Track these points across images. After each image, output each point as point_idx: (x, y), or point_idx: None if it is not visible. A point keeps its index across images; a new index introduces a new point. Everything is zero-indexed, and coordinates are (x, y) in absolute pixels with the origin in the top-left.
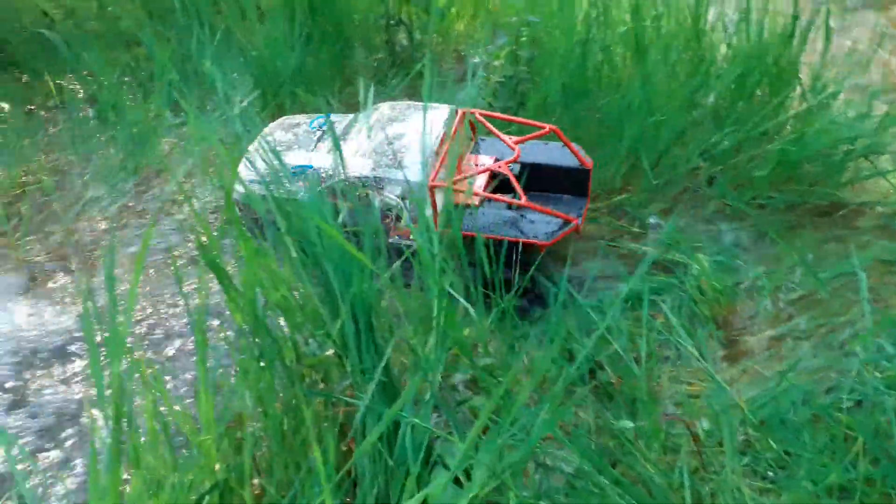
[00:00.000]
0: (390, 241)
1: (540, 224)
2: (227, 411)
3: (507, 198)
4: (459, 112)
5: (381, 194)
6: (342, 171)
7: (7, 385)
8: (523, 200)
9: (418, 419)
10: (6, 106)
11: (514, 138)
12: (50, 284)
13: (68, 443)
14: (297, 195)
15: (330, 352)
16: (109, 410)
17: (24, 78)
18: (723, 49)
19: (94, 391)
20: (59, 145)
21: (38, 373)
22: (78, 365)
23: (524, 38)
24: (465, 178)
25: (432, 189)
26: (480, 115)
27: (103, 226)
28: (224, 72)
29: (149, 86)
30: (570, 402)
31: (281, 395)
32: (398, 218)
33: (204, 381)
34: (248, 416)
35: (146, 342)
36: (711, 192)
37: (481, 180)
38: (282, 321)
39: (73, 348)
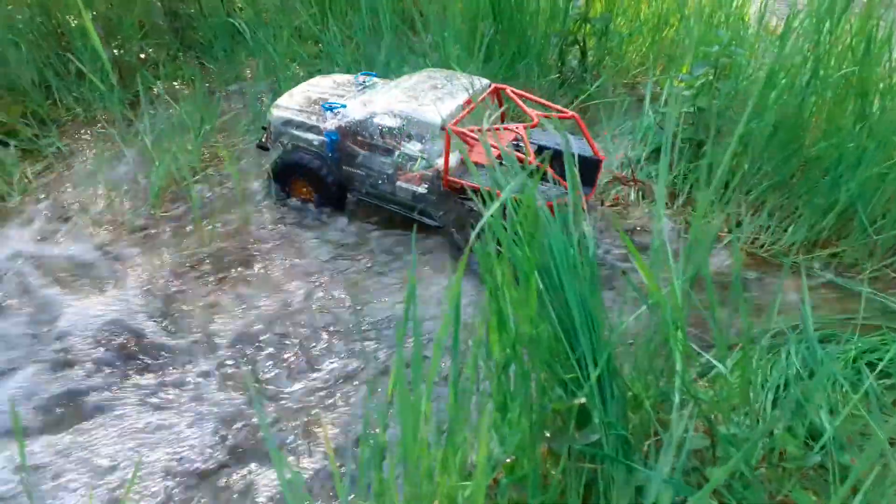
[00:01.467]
0: (398, 184)
1: (545, 191)
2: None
3: (521, 155)
4: (492, 86)
5: (403, 146)
6: (372, 119)
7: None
8: (532, 159)
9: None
10: (187, 86)
11: (538, 112)
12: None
13: None
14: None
15: (580, 400)
16: None
17: (206, 61)
18: None
19: None
20: (235, 131)
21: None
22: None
23: (724, 72)
24: (482, 129)
25: (449, 131)
26: (511, 91)
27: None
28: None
29: None
30: None
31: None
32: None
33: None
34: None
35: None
36: None
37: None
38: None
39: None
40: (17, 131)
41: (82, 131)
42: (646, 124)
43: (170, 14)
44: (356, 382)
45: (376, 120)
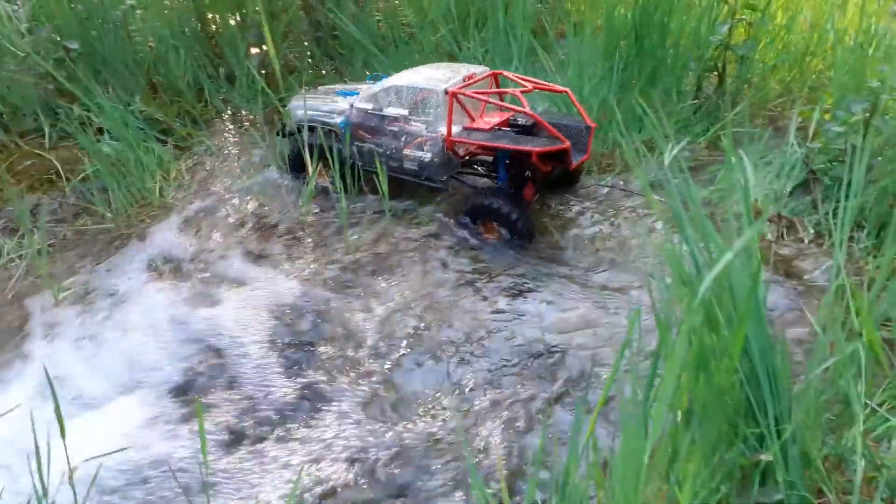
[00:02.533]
0: (406, 153)
1: (536, 143)
2: None
3: (514, 107)
4: (491, 72)
5: (408, 126)
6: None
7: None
8: (527, 109)
9: None
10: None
11: (533, 82)
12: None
13: None
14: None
15: (767, 456)
16: None
17: (345, 72)
18: None
19: None
20: None
21: None
22: None
23: (883, 110)
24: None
25: (451, 95)
26: (509, 75)
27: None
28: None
29: None
30: None
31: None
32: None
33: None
34: None
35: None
36: None
37: (495, 121)
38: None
39: None
40: (172, 130)
41: (229, 131)
42: (789, 158)
43: (314, 24)
44: (509, 409)
45: (359, 105)
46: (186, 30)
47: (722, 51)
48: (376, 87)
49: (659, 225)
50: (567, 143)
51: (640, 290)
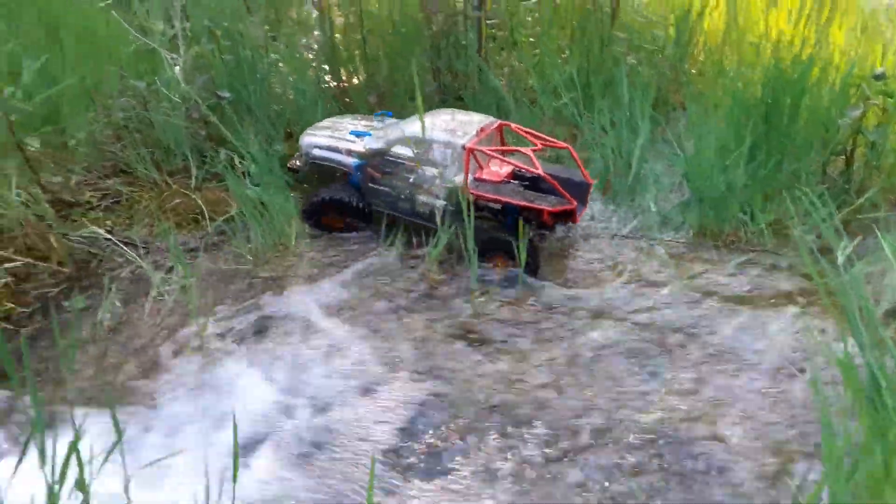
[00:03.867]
0: (420, 198)
1: (546, 202)
2: None
3: (523, 164)
4: (497, 123)
5: (417, 171)
6: (391, 149)
7: None
8: (541, 171)
9: None
10: None
11: (540, 141)
12: None
13: None
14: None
15: None
16: None
17: None
18: None
19: None
20: None
21: None
22: None
23: None
24: (500, 150)
25: (469, 151)
26: (514, 127)
27: None
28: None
29: None
30: None
31: None
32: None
33: None
34: None
35: None
36: None
37: (505, 172)
38: None
39: None
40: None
41: None
42: None
43: (439, 83)
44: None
45: (395, 149)
46: (322, 84)
47: (852, 135)
48: (395, 133)
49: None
50: (574, 203)
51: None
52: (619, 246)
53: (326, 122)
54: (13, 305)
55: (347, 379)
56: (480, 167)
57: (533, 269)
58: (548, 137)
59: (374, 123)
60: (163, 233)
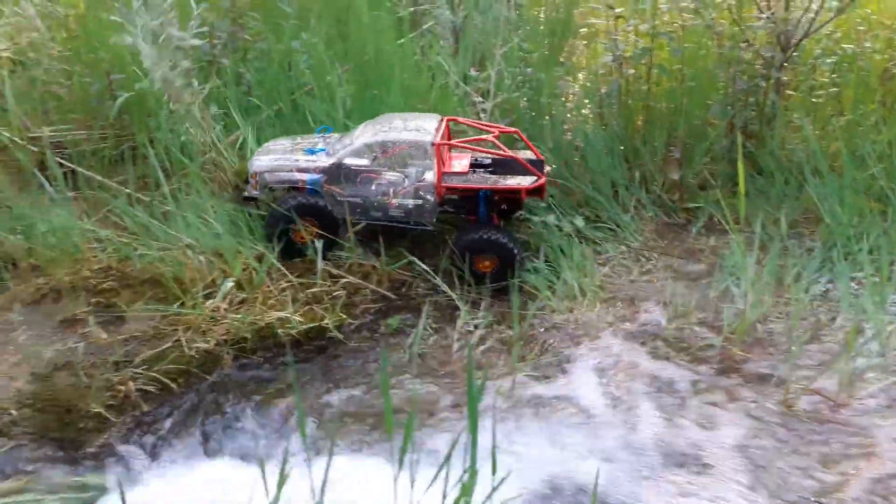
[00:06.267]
0: (392, 201)
1: (516, 182)
2: None
3: (494, 151)
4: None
5: (381, 176)
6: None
7: None
8: (508, 152)
9: None
10: None
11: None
12: None
13: None
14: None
15: None
16: None
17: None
18: None
19: None
20: None
21: None
22: None
23: None
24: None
25: (438, 147)
26: (462, 120)
27: None
28: None
29: None
30: None
31: None
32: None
33: None
34: None
35: None
36: None
37: (465, 163)
38: None
39: None
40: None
41: (644, 234)
42: None
43: (732, 139)
44: None
45: (346, 161)
46: (611, 125)
47: None
48: (357, 143)
49: None
50: (543, 177)
51: None
52: None
53: (270, 145)
54: (344, 316)
55: None
56: (443, 162)
57: (520, 266)
58: (493, 124)
59: (316, 139)
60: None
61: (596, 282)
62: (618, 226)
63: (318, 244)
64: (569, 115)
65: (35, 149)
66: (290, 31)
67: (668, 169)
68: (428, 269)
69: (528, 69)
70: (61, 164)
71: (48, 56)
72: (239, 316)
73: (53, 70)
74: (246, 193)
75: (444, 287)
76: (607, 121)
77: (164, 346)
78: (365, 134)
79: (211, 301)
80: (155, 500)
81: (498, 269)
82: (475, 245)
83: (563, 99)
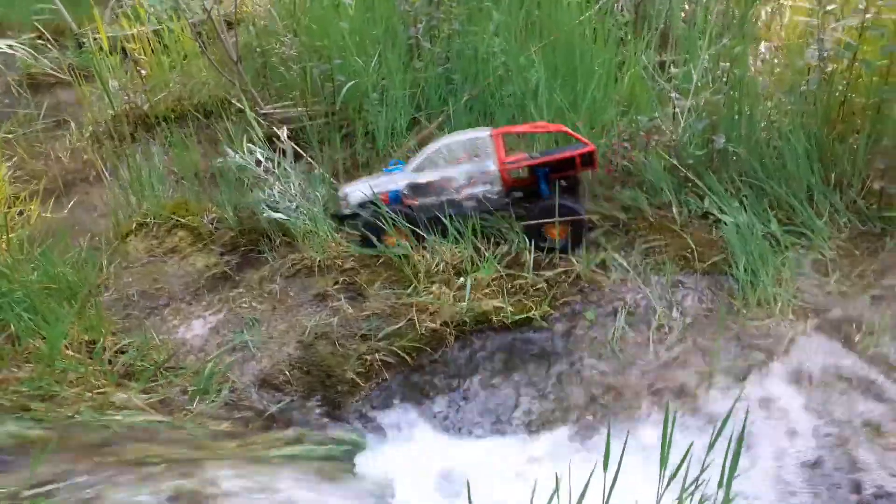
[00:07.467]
0: (464, 193)
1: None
2: None
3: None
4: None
5: (448, 180)
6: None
7: None
8: (568, 130)
9: None
10: None
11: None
12: None
13: None
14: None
15: None
16: None
17: None
18: None
19: None
20: None
21: None
22: None
23: None
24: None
25: (497, 135)
26: (510, 128)
27: None
28: None
29: None
30: None
31: None
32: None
33: None
34: None
35: None
36: None
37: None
38: None
39: None
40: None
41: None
42: None
43: None
44: None
45: (416, 181)
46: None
47: None
48: (423, 154)
49: None
50: (593, 146)
51: None
52: None
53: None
54: (549, 309)
55: None
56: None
57: (576, 241)
58: (538, 124)
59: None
60: (656, 266)
61: (791, 290)
62: (812, 231)
63: (527, 240)
64: (769, 114)
65: (266, 123)
66: (486, 12)
67: (870, 175)
68: (628, 267)
69: (724, 64)
70: (295, 144)
71: (278, 41)
72: (464, 304)
73: (283, 55)
74: (332, 213)
75: (640, 283)
76: (806, 120)
77: (400, 324)
78: (429, 148)
79: (436, 287)
80: (397, 461)
81: (569, 236)
82: (545, 213)
83: (763, 98)
